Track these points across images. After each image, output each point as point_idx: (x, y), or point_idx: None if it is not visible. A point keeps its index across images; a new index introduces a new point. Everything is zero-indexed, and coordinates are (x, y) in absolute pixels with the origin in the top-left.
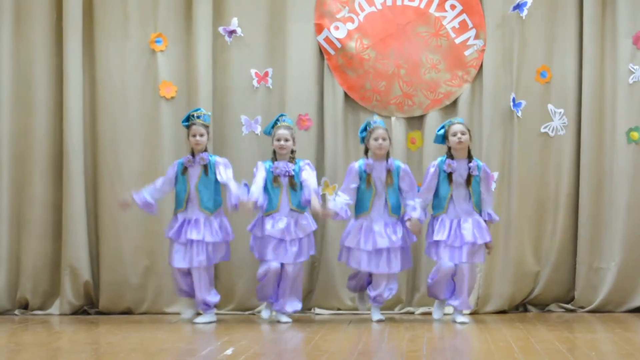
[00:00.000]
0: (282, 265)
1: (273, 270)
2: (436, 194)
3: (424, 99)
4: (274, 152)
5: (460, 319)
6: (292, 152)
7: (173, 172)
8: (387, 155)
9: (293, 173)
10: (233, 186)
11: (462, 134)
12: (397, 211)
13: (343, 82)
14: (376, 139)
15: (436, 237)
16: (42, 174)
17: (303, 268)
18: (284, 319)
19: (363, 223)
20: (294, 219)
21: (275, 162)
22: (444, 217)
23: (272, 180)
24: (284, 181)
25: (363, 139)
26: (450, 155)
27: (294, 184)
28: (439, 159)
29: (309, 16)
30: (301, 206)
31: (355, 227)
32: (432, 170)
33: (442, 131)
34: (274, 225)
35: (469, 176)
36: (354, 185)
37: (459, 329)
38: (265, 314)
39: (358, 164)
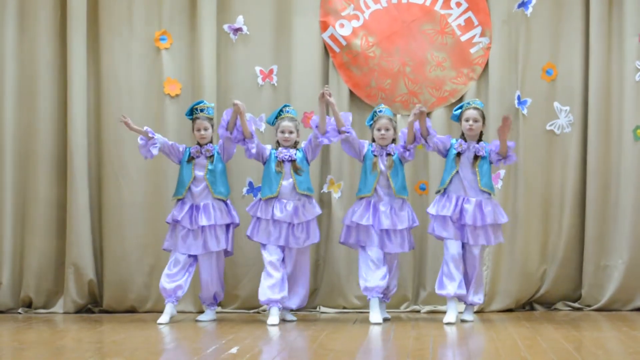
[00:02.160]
0: (286, 253)
1: (270, 260)
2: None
3: (430, 97)
4: (277, 143)
5: (465, 316)
6: (296, 143)
7: (180, 151)
8: (394, 142)
9: (295, 157)
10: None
11: (475, 121)
12: (402, 192)
13: (348, 79)
14: (379, 130)
15: (441, 212)
16: (46, 172)
17: (309, 258)
18: (289, 317)
19: (371, 201)
20: (301, 202)
21: (281, 148)
22: (448, 193)
23: (276, 164)
24: (287, 167)
25: (371, 127)
26: (464, 137)
27: (297, 167)
28: (453, 140)
29: (314, 13)
30: (309, 189)
31: (361, 206)
32: (447, 136)
33: (458, 111)
34: (282, 210)
35: (476, 157)
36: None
37: (465, 328)
38: (274, 319)
39: (368, 144)
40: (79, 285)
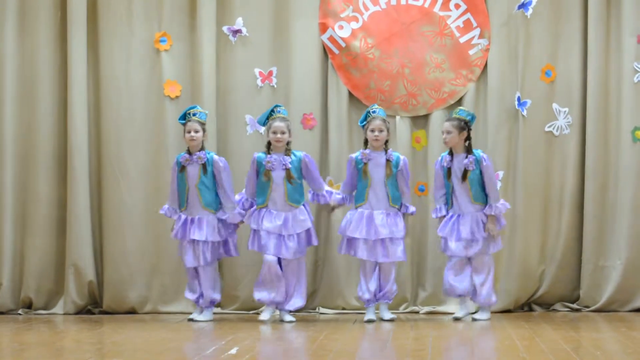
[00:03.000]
0: (281, 260)
1: (269, 264)
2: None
3: (429, 98)
4: (269, 143)
5: (478, 315)
6: (288, 143)
7: (175, 176)
8: (386, 146)
9: (290, 166)
10: (228, 205)
11: (447, 132)
12: (397, 202)
13: (347, 81)
14: (372, 131)
15: (440, 232)
16: (46, 173)
17: (304, 263)
18: (288, 318)
19: (364, 212)
20: (291, 214)
21: (269, 156)
22: (450, 212)
23: (264, 174)
24: (278, 175)
25: (363, 128)
26: (450, 151)
27: (291, 176)
28: (441, 155)
29: (313, 15)
30: (297, 201)
31: (355, 217)
32: (436, 167)
33: None
34: (272, 221)
35: (465, 171)
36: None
37: (465, 328)
38: (265, 315)
39: (355, 155)
40: (79, 286)
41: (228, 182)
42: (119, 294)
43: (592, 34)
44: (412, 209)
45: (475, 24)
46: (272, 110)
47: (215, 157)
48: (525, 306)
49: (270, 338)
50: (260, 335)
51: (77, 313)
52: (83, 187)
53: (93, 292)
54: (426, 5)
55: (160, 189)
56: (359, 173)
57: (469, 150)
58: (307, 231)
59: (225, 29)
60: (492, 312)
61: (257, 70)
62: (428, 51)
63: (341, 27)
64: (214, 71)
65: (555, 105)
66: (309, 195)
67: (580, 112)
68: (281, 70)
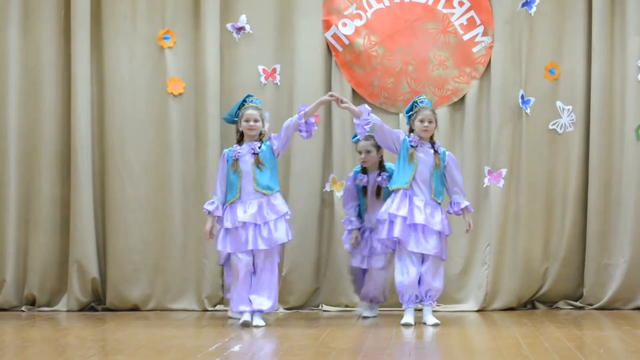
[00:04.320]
0: (254, 255)
1: (245, 264)
2: None
3: (432, 96)
4: (241, 134)
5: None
6: (261, 134)
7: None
8: (433, 139)
9: (258, 150)
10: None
11: (367, 152)
12: (439, 196)
13: (351, 78)
14: (422, 121)
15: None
16: (49, 171)
17: (278, 257)
18: (257, 321)
19: (407, 193)
20: (265, 201)
21: (236, 146)
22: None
23: (232, 165)
24: (246, 163)
25: (409, 119)
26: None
27: (259, 161)
28: (354, 171)
29: (316, 13)
30: (269, 187)
31: (394, 196)
32: (348, 183)
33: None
34: (246, 211)
35: (379, 188)
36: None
37: (466, 326)
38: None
39: (405, 135)
40: (83, 283)
41: None
42: (122, 291)
43: (596, 31)
44: (465, 203)
45: (479, 22)
46: (244, 100)
47: None
48: (529, 304)
49: (273, 335)
50: (263, 332)
51: (81, 310)
52: (86, 184)
53: (96, 289)
54: (430, 2)
55: (164, 186)
56: (404, 155)
57: (381, 166)
58: (283, 222)
59: (229, 26)
60: (493, 310)
61: (260, 68)
62: (431, 49)
63: (345, 25)
64: (218, 68)
65: (559, 103)
66: (302, 133)
67: (584, 110)
68: (285, 67)
